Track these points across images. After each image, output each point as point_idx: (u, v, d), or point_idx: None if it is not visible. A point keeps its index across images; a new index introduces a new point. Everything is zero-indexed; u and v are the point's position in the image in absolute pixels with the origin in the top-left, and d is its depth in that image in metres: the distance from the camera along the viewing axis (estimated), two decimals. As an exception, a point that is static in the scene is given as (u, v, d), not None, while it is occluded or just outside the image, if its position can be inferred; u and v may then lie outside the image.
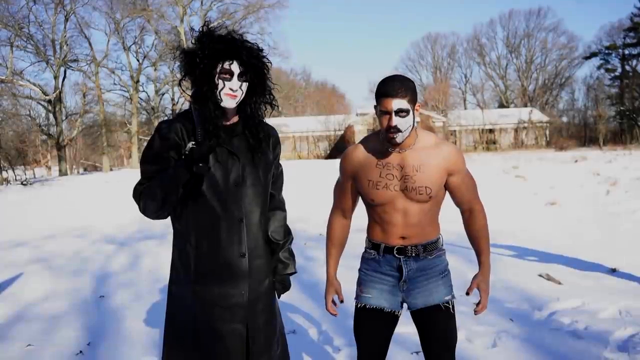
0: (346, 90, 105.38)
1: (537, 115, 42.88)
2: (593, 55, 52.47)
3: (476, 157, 24.83)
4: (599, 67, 52.71)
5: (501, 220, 7.34)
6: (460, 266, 5.22)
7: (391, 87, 1.87)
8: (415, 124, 1.98)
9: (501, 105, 54.16)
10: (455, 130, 43.99)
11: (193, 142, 1.70)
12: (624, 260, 5.26)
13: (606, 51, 51.57)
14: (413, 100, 1.90)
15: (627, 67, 50.81)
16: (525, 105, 50.11)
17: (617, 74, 51.67)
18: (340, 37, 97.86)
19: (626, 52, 50.42)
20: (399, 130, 1.89)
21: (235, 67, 1.77)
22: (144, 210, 1.80)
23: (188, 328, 1.83)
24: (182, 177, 1.70)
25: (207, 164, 1.70)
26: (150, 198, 1.76)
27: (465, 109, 54.33)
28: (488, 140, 43.19)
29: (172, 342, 1.87)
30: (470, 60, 59.06)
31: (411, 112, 1.90)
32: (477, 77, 79.72)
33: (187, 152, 1.69)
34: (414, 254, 2.03)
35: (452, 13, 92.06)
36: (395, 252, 2.03)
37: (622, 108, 49.20)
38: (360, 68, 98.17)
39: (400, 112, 1.87)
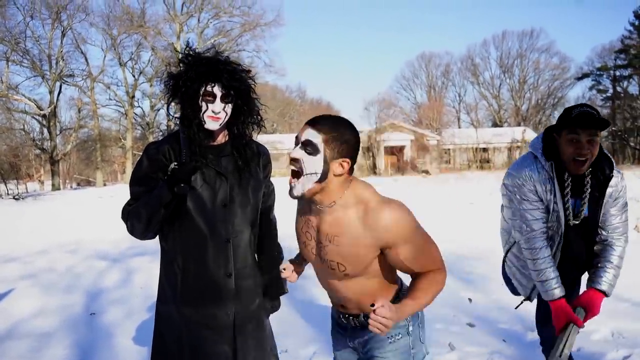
0: (341, 108, 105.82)
1: (531, 135, 43.19)
2: (585, 76, 53.17)
3: (470, 175, 24.92)
4: (590, 88, 53.41)
5: (494, 239, 7.34)
6: (455, 285, 5.22)
7: (318, 117, 1.54)
8: (345, 181, 1.54)
9: (495, 125, 54.57)
10: (449, 149, 44.24)
11: (176, 163, 1.72)
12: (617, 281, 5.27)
13: (598, 72, 52.28)
14: (332, 144, 1.48)
15: (619, 88, 51.49)
16: (519, 125, 50.52)
17: (608, 94, 52.36)
18: (336, 54, 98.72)
19: (617, 73, 51.14)
20: (297, 173, 1.50)
21: (218, 90, 1.79)
22: (132, 231, 1.82)
23: (174, 348, 1.83)
24: (165, 197, 1.72)
25: (188, 184, 1.71)
26: (136, 219, 1.78)
27: (459, 127, 54.69)
28: (482, 159, 43.40)
29: None
30: (464, 79, 59.62)
31: (321, 156, 1.47)
32: (471, 96, 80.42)
33: (169, 173, 1.71)
34: (358, 325, 1.67)
35: (446, 33, 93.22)
36: (341, 317, 1.71)
37: (613, 128, 49.71)
38: (355, 86, 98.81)
39: (306, 145, 1.48)
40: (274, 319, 2.10)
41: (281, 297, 2.07)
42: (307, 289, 5.38)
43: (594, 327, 3.90)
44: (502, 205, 2.53)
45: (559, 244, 2.24)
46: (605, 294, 2.20)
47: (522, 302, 2.65)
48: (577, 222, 2.23)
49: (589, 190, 2.19)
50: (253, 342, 1.88)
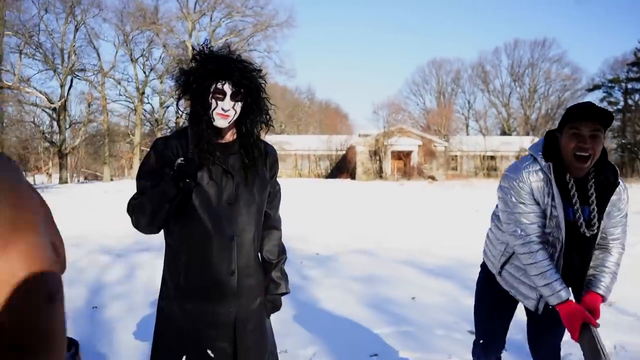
0: (350, 111, 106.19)
1: (539, 144, 43.03)
2: (596, 87, 53.03)
3: (477, 183, 24.85)
4: (601, 100, 53.24)
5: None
6: (458, 292, 5.20)
7: None
8: None
9: (503, 133, 54.44)
10: (456, 156, 44.12)
11: (182, 159, 1.73)
12: (620, 294, 5.22)
13: (609, 84, 52.15)
14: None
15: (630, 101, 51.28)
16: (527, 134, 50.39)
17: (619, 107, 52.17)
18: (347, 57, 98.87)
19: (629, 86, 50.99)
20: None
21: (228, 88, 1.79)
22: (136, 225, 1.83)
23: (175, 345, 1.82)
24: (170, 193, 1.72)
25: (194, 180, 1.72)
26: (140, 212, 1.78)
27: (468, 134, 54.64)
28: (489, 166, 43.30)
29: (159, 358, 1.86)
30: (474, 86, 59.64)
31: None
32: (481, 103, 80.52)
33: (175, 168, 1.72)
34: None
35: (458, 39, 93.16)
36: None
37: (623, 141, 49.54)
38: (365, 89, 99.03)
39: None
40: (274, 319, 2.10)
41: (282, 298, 2.07)
42: (309, 289, 5.38)
43: (597, 340, 3.87)
44: (493, 217, 2.42)
45: (561, 251, 2.12)
46: (603, 298, 2.11)
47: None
48: (593, 233, 2.10)
49: (595, 195, 2.08)
50: (253, 341, 1.87)
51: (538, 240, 2.08)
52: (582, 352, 1.97)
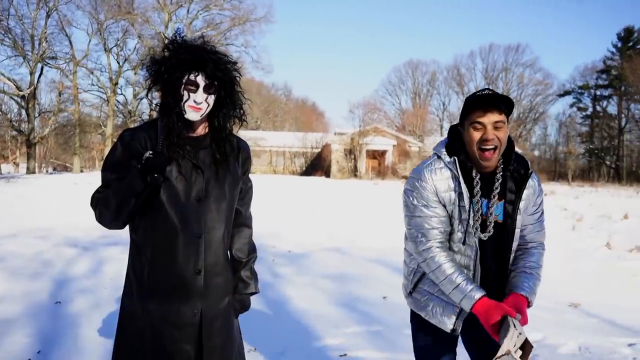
0: (326, 109, 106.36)
1: (511, 148, 43.78)
2: (566, 93, 54.35)
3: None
4: (571, 105, 54.75)
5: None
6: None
7: None
8: None
9: (476, 135, 55.24)
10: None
11: (150, 152, 1.67)
12: (586, 297, 5.35)
13: (579, 90, 53.52)
14: None
15: (598, 108, 52.72)
16: (500, 137, 51.22)
17: (588, 113, 53.63)
18: (324, 55, 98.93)
19: (597, 92, 52.43)
20: None
21: (201, 80, 1.73)
22: (99, 219, 1.76)
23: (137, 345, 1.76)
24: (137, 187, 1.66)
25: (162, 175, 1.66)
26: (105, 206, 1.71)
27: (442, 135, 55.20)
28: (462, 168, 43.85)
29: (120, 357, 1.80)
30: (449, 88, 60.34)
31: None
32: (455, 105, 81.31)
33: (143, 161, 1.65)
34: None
35: (434, 42, 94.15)
36: None
37: (591, 146, 50.89)
38: (341, 88, 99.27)
39: None
40: (242, 317, 2.05)
41: (251, 297, 2.02)
42: (280, 287, 5.34)
43: (562, 341, 3.94)
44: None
45: (477, 255, 1.91)
46: (528, 301, 1.86)
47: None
48: (487, 234, 1.91)
49: (499, 189, 1.91)
50: (220, 341, 1.83)
51: (439, 245, 1.90)
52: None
